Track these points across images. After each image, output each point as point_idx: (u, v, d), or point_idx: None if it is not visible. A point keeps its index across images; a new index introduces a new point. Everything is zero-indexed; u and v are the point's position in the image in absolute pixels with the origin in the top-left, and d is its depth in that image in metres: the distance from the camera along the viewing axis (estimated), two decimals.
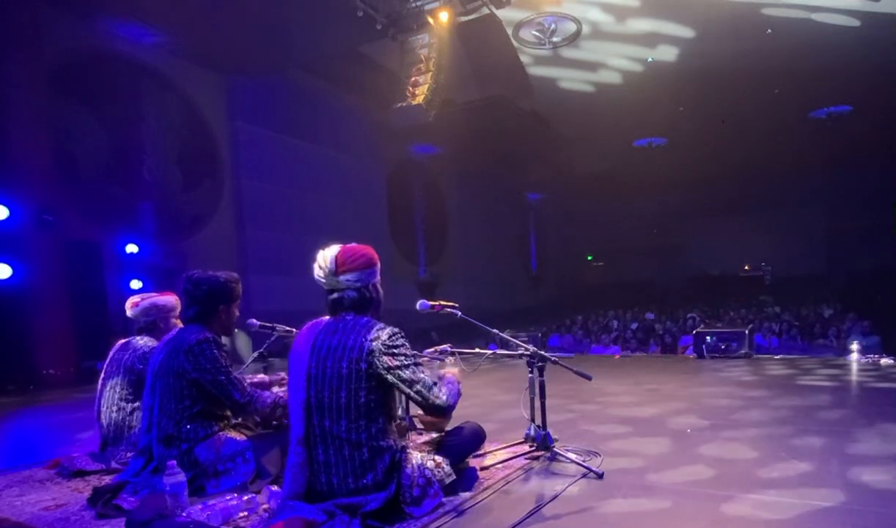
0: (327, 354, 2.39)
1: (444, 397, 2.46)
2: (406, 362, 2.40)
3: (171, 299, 3.64)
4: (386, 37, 9.57)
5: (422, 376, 2.43)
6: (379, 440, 2.36)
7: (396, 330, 2.43)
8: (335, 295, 2.51)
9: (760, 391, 5.40)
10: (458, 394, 2.65)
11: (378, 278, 2.60)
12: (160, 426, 2.86)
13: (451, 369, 2.93)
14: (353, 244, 2.57)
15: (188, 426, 2.81)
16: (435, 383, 2.47)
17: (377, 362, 2.35)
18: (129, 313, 3.61)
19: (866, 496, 2.60)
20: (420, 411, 2.53)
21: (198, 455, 2.77)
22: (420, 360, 2.52)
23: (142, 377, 3.25)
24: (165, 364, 2.89)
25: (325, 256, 2.51)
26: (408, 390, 2.42)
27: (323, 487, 2.36)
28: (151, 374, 2.97)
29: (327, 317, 2.56)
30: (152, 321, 3.59)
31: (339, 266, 2.48)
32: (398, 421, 2.74)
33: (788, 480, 2.84)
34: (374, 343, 2.36)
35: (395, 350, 2.38)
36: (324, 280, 2.52)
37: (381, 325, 2.44)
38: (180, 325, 3.65)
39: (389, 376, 2.37)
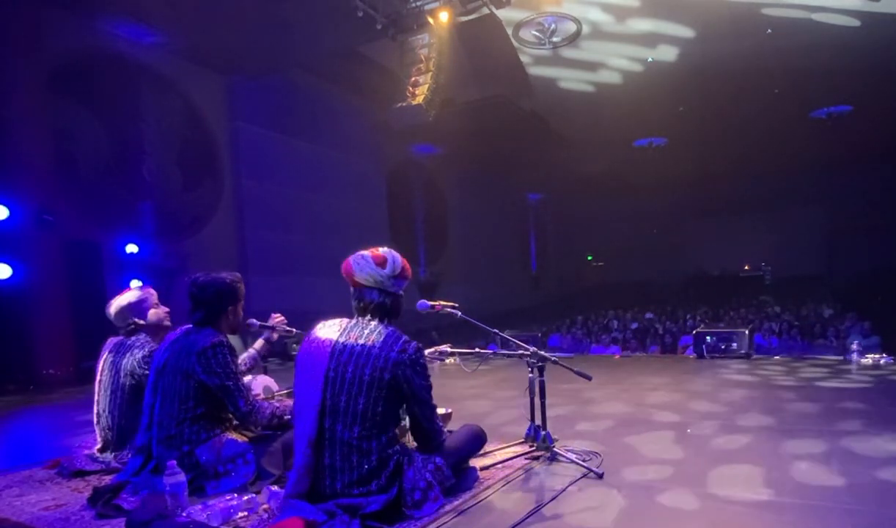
0: (349, 358, 2.38)
1: (439, 426, 2.58)
2: (426, 383, 2.46)
3: (133, 295, 3.49)
4: (386, 37, 9.55)
5: (429, 398, 2.50)
6: (387, 448, 2.38)
7: (421, 345, 2.49)
8: (377, 295, 2.51)
9: (762, 391, 5.40)
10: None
11: None
12: (161, 426, 2.85)
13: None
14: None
15: (190, 428, 2.80)
16: (435, 409, 2.57)
17: (401, 374, 2.37)
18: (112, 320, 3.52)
19: (867, 496, 2.60)
20: None
21: (199, 457, 2.77)
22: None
23: (143, 381, 3.20)
24: (172, 363, 2.87)
25: (395, 258, 2.55)
26: (416, 409, 2.47)
27: (326, 489, 2.37)
28: (155, 371, 2.95)
29: (341, 319, 2.55)
30: (132, 323, 3.46)
31: (402, 271, 2.55)
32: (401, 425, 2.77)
33: (789, 479, 2.84)
34: (402, 355, 2.38)
35: (418, 367, 2.42)
36: (380, 278, 2.50)
37: (407, 337, 2.46)
38: (160, 313, 3.54)
39: (408, 391, 2.41)
